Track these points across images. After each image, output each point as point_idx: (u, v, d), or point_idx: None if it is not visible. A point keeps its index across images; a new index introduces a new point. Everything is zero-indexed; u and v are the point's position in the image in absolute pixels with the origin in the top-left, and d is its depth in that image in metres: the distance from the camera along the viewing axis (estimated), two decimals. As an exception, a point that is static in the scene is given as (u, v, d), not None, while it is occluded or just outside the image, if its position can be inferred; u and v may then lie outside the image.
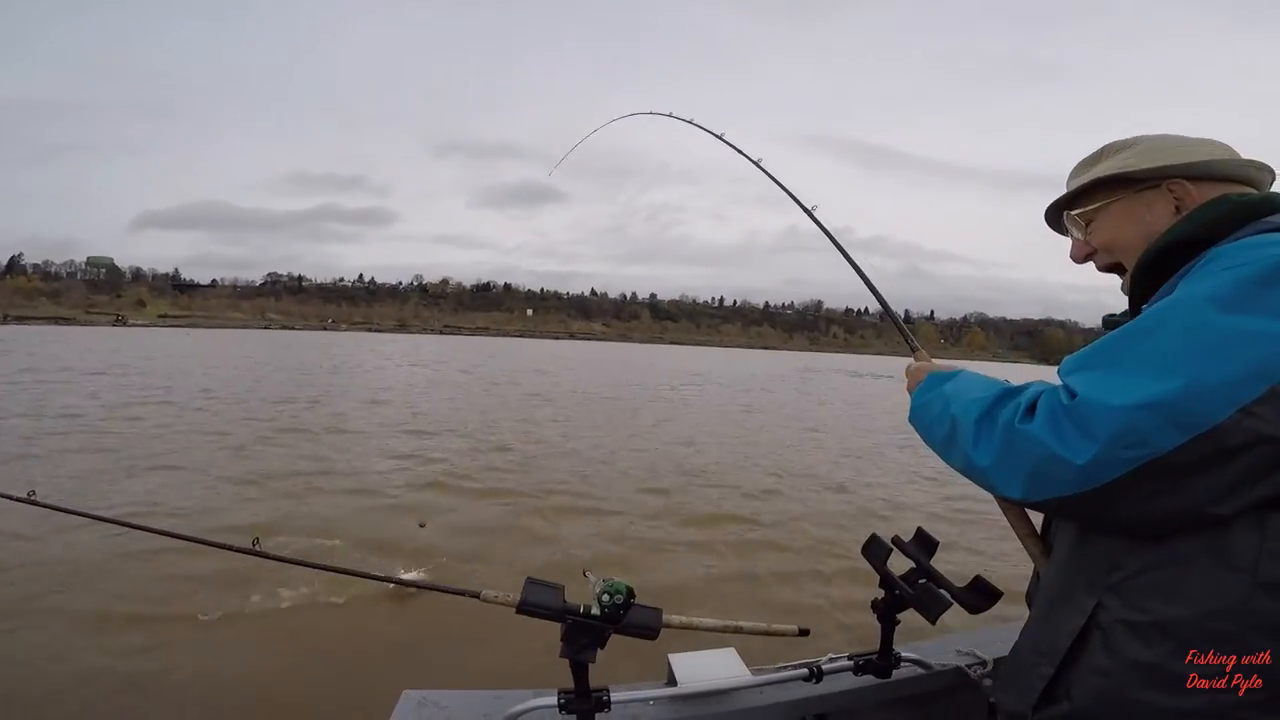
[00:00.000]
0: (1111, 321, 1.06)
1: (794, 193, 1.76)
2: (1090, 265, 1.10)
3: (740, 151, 1.93)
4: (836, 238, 1.64)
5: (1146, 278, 0.93)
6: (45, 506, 1.41)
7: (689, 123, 2.17)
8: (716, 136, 2.02)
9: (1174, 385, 0.72)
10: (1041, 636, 0.93)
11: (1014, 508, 1.08)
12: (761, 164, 1.85)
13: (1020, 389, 0.88)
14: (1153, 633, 0.79)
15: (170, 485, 7.31)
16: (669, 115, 2.27)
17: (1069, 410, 0.77)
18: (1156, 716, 0.78)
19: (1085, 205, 1.05)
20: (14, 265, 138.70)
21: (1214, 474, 0.73)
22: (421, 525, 6.19)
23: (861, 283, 1.56)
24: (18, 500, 1.39)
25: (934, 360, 1.23)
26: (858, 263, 1.58)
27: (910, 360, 1.26)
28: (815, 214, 1.68)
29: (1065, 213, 1.09)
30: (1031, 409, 0.82)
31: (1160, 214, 0.96)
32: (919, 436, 1.06)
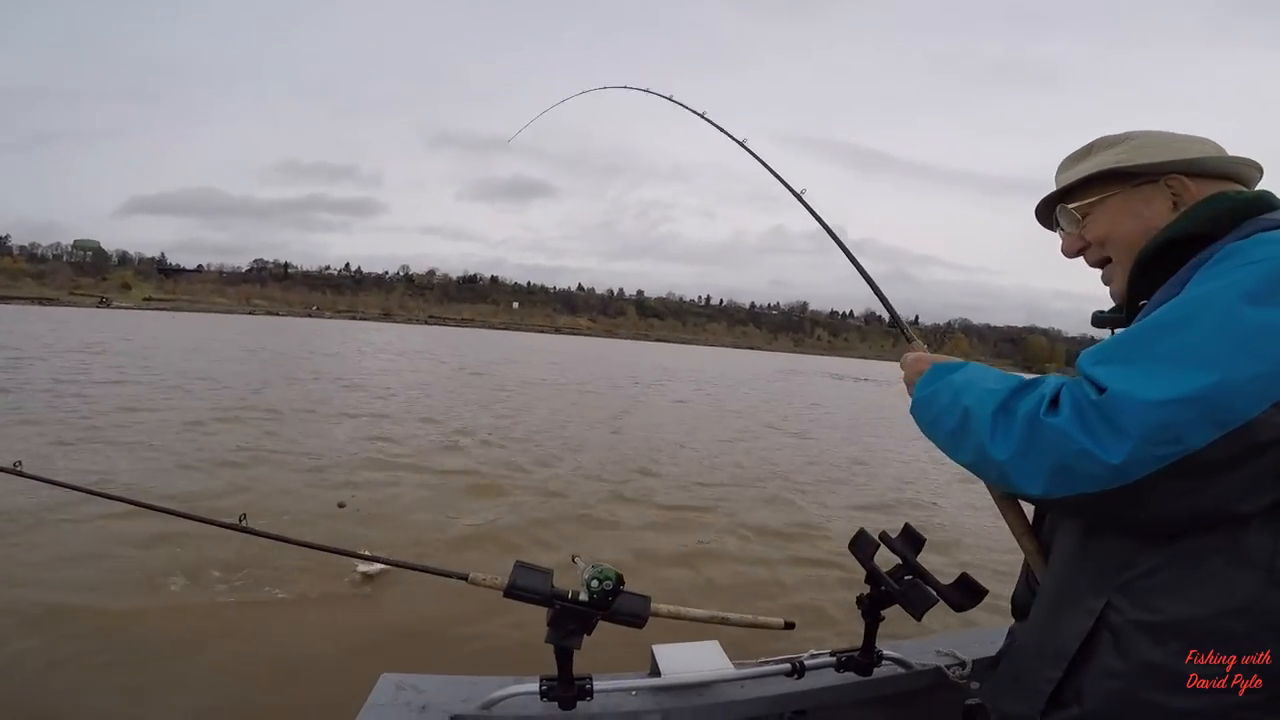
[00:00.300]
0: (1101, 318, 1.07)
1: (781, 175, 1.69)
2: (1073, 271, 1.10)
3: (723, 131, 1.86)
4: (826, 222, 1.58)
5: (1147, 272, 0.93)
6: (33, 478, 1.39)
7: (668, 99, 2.06)
8: (699, 115, 1.94)
9: (1209, 380, 0.71)
10: (1045, 639, 0.91)
11: (1012, 505, 1.06)
12: (746, 144, 1.79)
13: (1038, 381, 0.86)
14: (1166, 633, 0.78)
15: (143, 462, 7.23)
16: (645, 91, 2.15)
17: (1098, 405, 0.75)
18: (1171, 718, 0.77)
19: (1081, 199, 1.04)
20: (1, 246, 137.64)
21: (1243, 471, 0.73)
22: (341, 505, 6.06)
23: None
24: (5, 471, 1.37)
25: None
26: (847, 245, 1.53)
27: (907, 353, 1.20)
28: (804, 197, 1.62)
29: (1060, 206, 1.08)
30: (1055, 402, 0.80)
31: (1158, 209, 0.96)
32: (921, 430, 1.02)
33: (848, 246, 1.53)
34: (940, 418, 0.96)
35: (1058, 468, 0.78)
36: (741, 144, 1.80)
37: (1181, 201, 0.95)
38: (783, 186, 1.68)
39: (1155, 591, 0.80)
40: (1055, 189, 1.09)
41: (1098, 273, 1.07)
